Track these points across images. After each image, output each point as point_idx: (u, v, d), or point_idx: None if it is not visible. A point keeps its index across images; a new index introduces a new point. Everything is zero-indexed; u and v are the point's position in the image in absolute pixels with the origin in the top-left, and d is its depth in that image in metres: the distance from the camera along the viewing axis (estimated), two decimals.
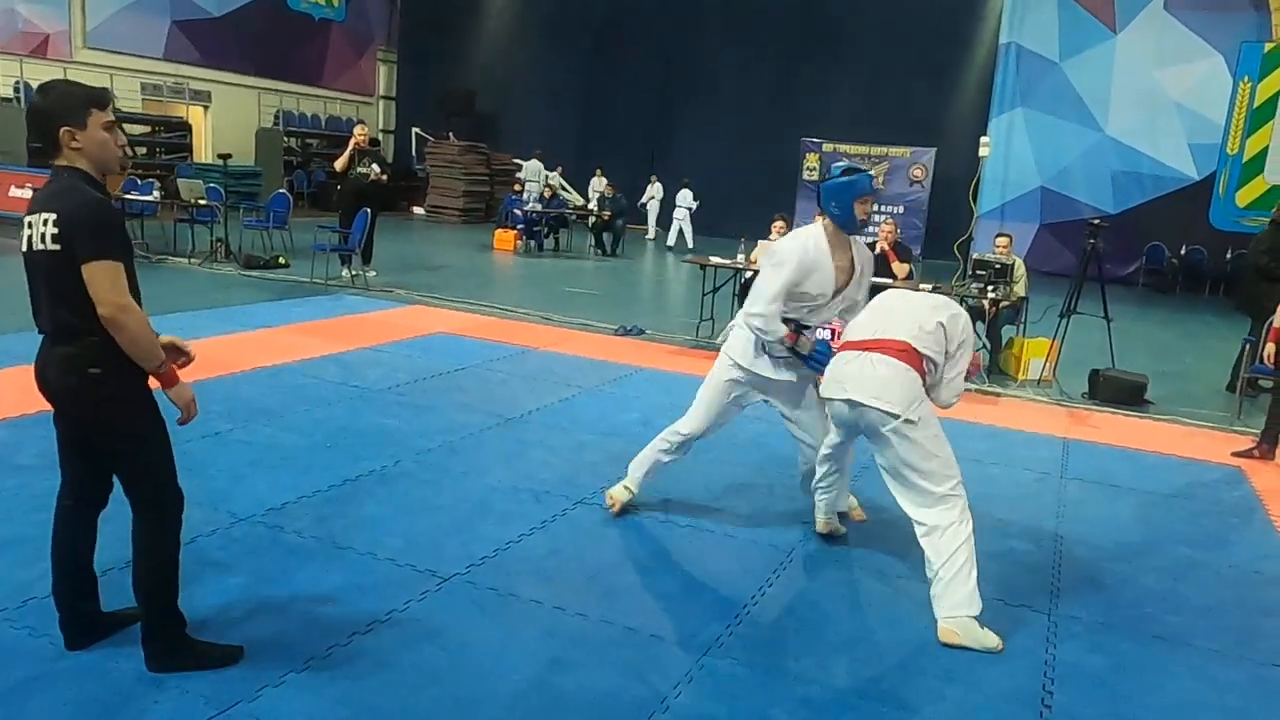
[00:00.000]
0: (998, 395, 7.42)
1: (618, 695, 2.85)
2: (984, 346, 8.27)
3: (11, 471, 4.18)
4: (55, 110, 2.54)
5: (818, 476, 4.00)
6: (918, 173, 17.92)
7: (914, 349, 3.42)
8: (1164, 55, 16.26)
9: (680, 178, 18.20)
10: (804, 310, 3.94)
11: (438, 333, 8.13)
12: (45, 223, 2.49)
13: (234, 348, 6.89)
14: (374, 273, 10.76)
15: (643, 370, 7.28)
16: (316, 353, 6.96)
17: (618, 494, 4.31)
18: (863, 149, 18.28)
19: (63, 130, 2.52)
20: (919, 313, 3.53)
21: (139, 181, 13.46)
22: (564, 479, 4.68)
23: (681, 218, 17.75)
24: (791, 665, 3.11)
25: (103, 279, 2.45)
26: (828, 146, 18.57)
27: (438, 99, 22.28)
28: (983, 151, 11.57)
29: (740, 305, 9.30)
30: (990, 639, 3.28)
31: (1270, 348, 6.09)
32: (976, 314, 8.24)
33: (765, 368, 3.98)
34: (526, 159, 19.82)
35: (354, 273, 10.48)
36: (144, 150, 18.35)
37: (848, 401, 3.47)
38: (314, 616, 3.15)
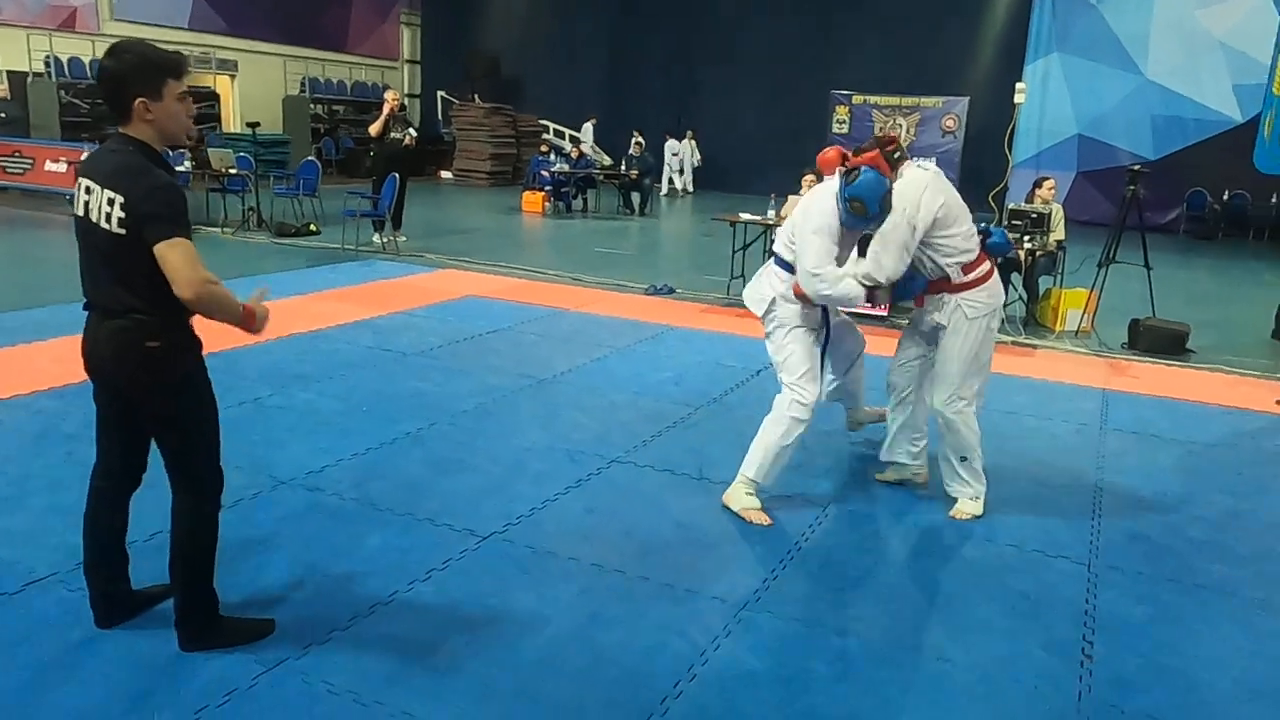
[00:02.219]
0: (1034, 347, 7.32)
1: (657, 649, 2.88)
2: (1020, 298, 8.15)
3: (60, 440, 4.28)
4: (131, 78, 2.41)
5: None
6: (950, 123, 17.54)
7: None
8: None
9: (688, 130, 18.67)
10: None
11: (469, 296, 8.16)
12: (111, 202, 2.39)
13: (269, 315, 6.96)
14: (404, 238, 10.80)
15: (674, 329, 7.27)
16: (350, 318, 7.02)
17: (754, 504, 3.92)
18: (893, 100, 17.91)
19: (138, 101, 2.41)
20: None
21: (170, 153, 13.56)
22: (598, 438, 4.70)
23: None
24: (829, 619, 3.12)
25: (180, 255, 2.37)
26: (857, 99, 18.21)
27: (462, 62, 22.15)
28: (1018, 98, 11.32)
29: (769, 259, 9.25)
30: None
31: None
32: (1013, 265, 8.11)
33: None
34: (553, 119, 19.85)
35: (385, 238, 10.52)
36: None
37: None
38: (356, 576, 3.21)
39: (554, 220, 14.77)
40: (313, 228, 11.34)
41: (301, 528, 3.56)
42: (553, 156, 16.46)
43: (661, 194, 19.27)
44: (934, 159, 17.44)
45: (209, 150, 12.59)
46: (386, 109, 10.54)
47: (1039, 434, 5.18)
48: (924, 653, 2.94)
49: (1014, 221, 7.87)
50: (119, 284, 2.46)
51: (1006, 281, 8.13)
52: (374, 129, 10.62)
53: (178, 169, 12.28)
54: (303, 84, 21.04)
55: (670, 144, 19.57)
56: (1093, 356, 7.08)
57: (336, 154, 20.68)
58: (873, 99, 18.11)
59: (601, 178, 16.95)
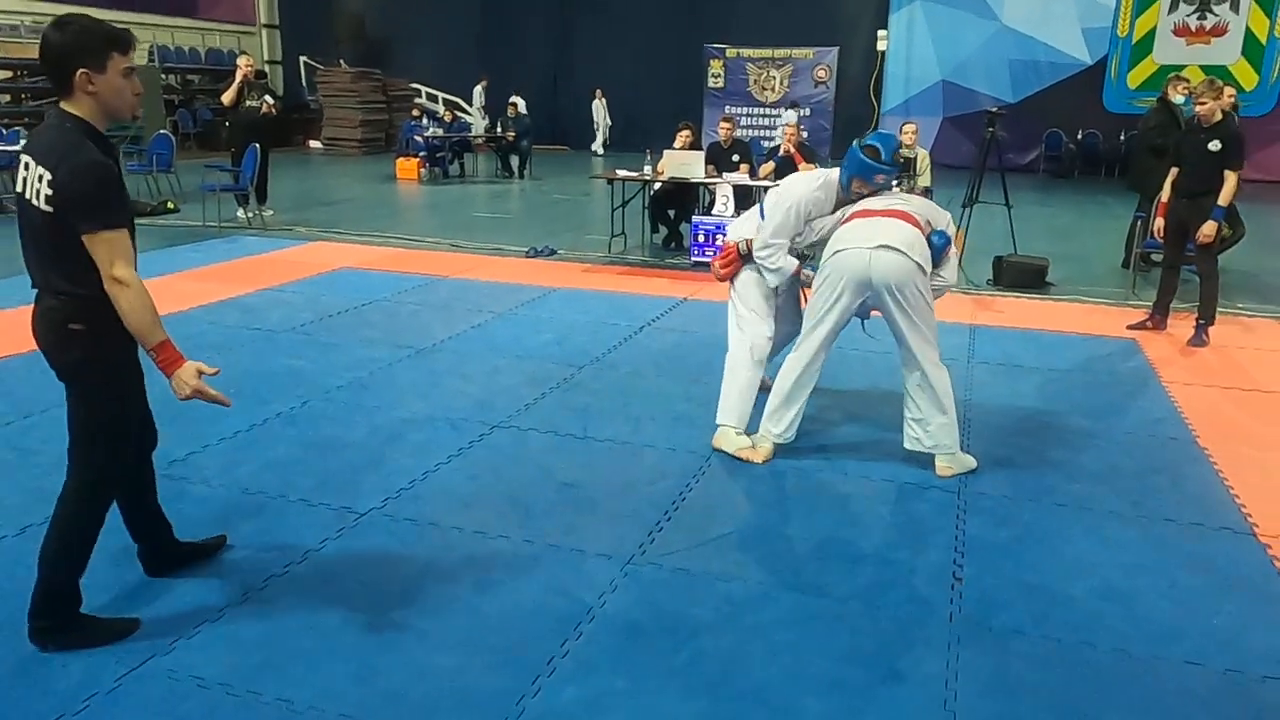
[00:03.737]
0: None
1: (543, 611, 2.86)
2: None
3: None
4: (73, 49, 2.35)
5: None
6: (822, 73, 17.83)
7: (916, 218, 3.83)
8: None
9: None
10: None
11: (342, 268, 7.88)
12: (40, 179, 2.34)
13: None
14: (271, 211, 10.34)
15: (556, 290, 7.20)
16: (215, 298, 6.69)
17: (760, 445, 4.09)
18: (766, 52, 18.09)
19: (79, 73, 2.35)
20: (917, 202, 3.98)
21: (4, 131, 12.59)
22: (480, 405, 4.63)
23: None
24: (713, 565, 3.17)
25: (103, 251, 2.34)
26: (731, 52, 18.32)
27: (325, 24, 21.22)
28: (880, 45, 11.55)
29: (651, 217, 9.23)
30: (971, 460, 3.96)
31: (1159, 222, 6.30)
32: None
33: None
34: (425, 83, 19.14)
35: (250, 213, 10.05)
36: (8, 97, 17.13)
37: (881, 247, 3.68)
38: (227, 564, 3.08)
39: (430, 186, 14.40)
40: (170, 205, 10.74)
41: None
42: (425, 121, 15.98)
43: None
44: (809, 110, 17.80)
45: None
46: (239, 75, 9.99)
47: None
48: (805, 590, 3.02)
49: None
50: (47, 263, 2.44)
51: None
52: (226, 98, 10.06)
53: (14, 147, 11.46)
54: (151, 53, 19.73)
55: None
56: (960, 294, 7.36)
57: (194, 126, 19.60)
58: (746, 52, 18.25)
59: (479, 141, 16.57)
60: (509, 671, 2.56)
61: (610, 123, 19.87)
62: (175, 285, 7.11)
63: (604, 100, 19.65)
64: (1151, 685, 2.57)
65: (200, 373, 2.51)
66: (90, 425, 2.56)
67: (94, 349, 2.48)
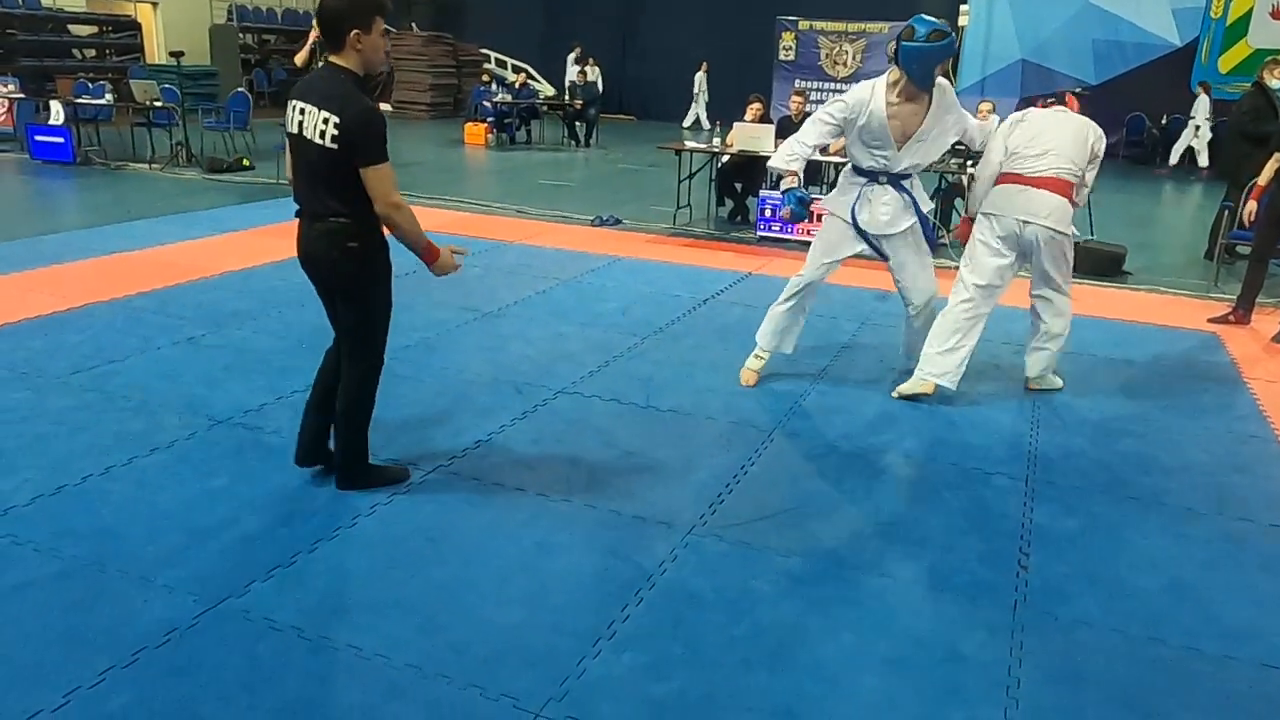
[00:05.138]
0: None
1: (604, 575, 2.89)
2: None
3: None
4: (348, 12, 2.82)
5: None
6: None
7: (1068, 182, 4.23)
8: None
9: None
10: (878, 158, 4.28)
11: None
12: (326, 121, 2.80)
13: (202, 253, 6.75)
14: None
15: (621, 260, 7.20)
16: (286, 255, 6.76)
17: (752, 365, 4.63)
18: (839, 25, 17.73)
19: (353, 32, 2.82)
20: (1065, 146, 4.25)
21: (90, 85, 12.95)
22: (544, 370, 4.67)
23: None
24: (774, 539, 3.16)
25: (380, 181, 2.84)
26: (803, 25, 17.98)
27: None
28: (962, 21, 11.25)
29: (717, 190, 9.16)
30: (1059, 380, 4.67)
31: (1252, 206, 6.05)
32: (956, 190, 8.16)
33: (865, 220, 4.38)
34: (494, 48, 19.14)
35: None
36: (93, 52, 17.60)
37: (1023, 221, 4.22)
38: (297, 513, 3.16)
39: (497, 152, 14.47)
40: (245, 162, 10.97)
41: (240, 466, 3.49)
42: (494, 86, 16.03)
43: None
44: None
45: (131, 82, 12.01)
46: (312, 36, 10.07)
47: (978, 355, 5.22)
48: (867, 569, 3.00)
49: (957, 146, 7.85)
50: (328, 192, 2.90)
51: (951, 207, 8.25)
52: (299, 58, 10.17)
53: (99, 101, 11.80)
54: (230, 12, 20.12)
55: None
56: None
57: (269, 85, 19.93)
58: (819, 25, 17.90)
59: (545, 108, 16.58)
60: (570, 632, 2.59)
61: (708, 97, 19.14)
62: (247, 241, 7.28)
63: (705, 72, 19.06)
64: (1223, 685, 2.51)
65: (454, 251, 3.16)
66: (369, 322, 3.13)
67: (368, 261, 3.01)
